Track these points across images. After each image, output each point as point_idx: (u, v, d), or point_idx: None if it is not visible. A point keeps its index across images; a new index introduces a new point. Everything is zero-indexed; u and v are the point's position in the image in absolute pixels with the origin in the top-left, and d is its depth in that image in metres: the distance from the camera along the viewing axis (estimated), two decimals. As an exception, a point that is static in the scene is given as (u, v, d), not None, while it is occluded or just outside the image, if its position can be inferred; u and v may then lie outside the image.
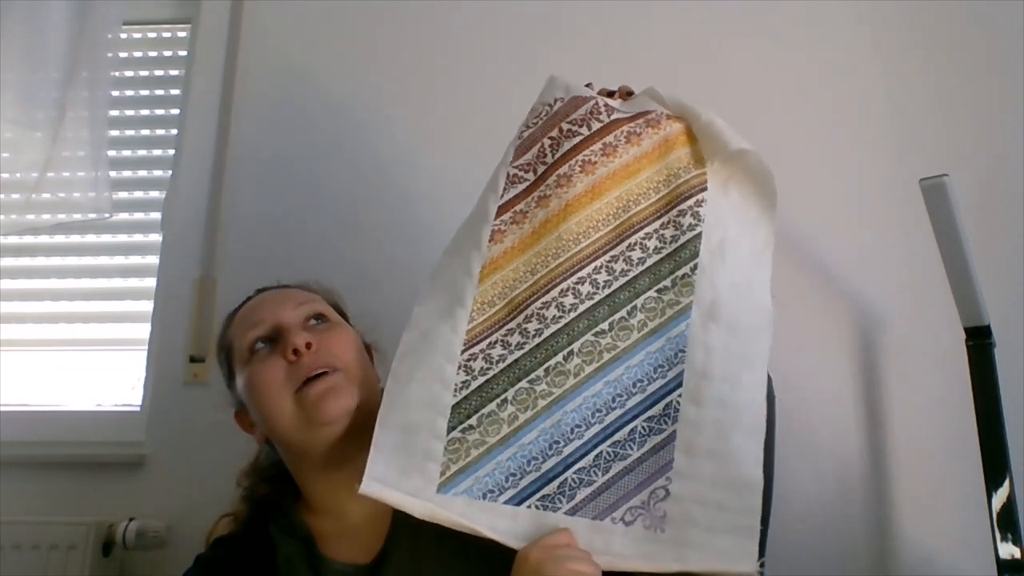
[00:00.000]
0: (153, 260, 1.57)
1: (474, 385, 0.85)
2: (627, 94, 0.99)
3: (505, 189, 0.92)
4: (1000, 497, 1.03)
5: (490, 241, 0.90)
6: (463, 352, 0.86)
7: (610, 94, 0.99)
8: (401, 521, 0.86)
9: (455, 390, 0.85)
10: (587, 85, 0.97)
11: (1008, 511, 1.03)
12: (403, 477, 0.82)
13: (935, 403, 1.31)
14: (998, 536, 1.02)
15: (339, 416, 0.88)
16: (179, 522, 1.36)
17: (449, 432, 0.84)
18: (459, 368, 0.86)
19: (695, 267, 0.86)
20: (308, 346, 0.89)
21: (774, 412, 1.04)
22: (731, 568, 0.74)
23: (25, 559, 1.28)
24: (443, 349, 0.86)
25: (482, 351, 0.87)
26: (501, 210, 0.92)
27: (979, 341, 1.10)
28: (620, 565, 0.77)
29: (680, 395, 0.82)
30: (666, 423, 0.81)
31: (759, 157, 0.90)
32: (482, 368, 0.86)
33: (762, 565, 0.74)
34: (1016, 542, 1.02)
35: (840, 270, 1.39)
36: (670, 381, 0.83)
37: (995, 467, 1.04)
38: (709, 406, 0.81)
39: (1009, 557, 1.01)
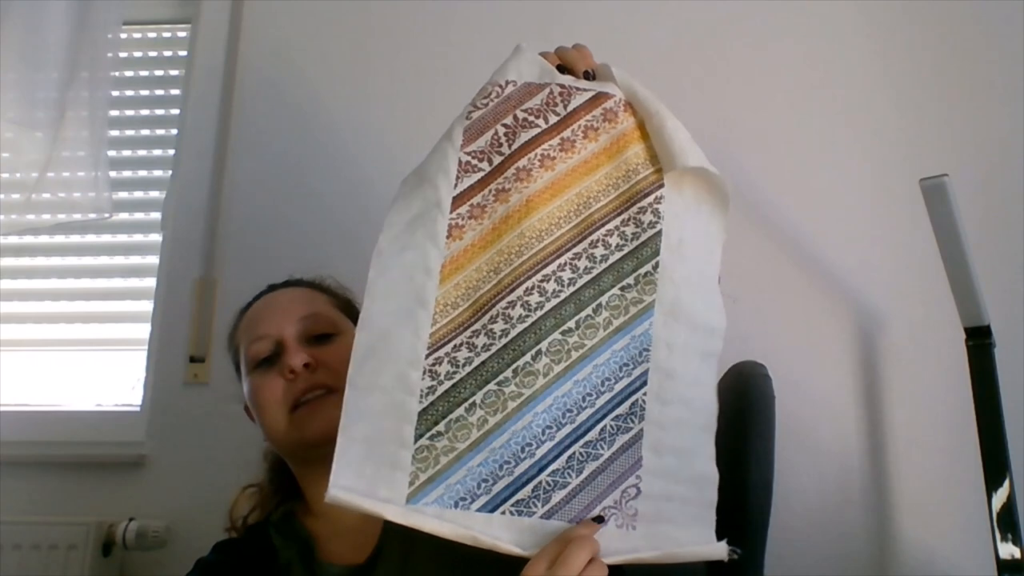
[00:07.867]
0: (153, 260, 1.57)
1: (440, 390, 0.81)
2: (584, 73, 0.94)
3: (459, 178, 0.89)
4: (1000, 497, 1.03)
5: (448, 237, 0.86)
6: (427, 356, 0.82)
7: (561, 69, 0.94)
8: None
9: (421, 396, 0.81)
10: (541, 54, 0.94)
11: (1008, 511, 1.03)
12: (371, 488, 0.78)
13: (935, 403, 1.31)
14: (998, 536, 1.02)
15: (325, 432, 0.83)
16: (179, 522, 1.36)
17: (417, 440, 0.80)
18: (424, 373, 0.81)
19: (656, 265, 0.86)
20: (306, 366, 0.91)
21: (774, 412, 1.05)
22: (706, 555, 0.77)
23: (25, 559, 1.28)
24: (406, 354, 0.82)
25: (447, 354, 0.83)
26: (456, 202, 0.88)
27: (979, 341, 1.10)
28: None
29: (645, 393, 0.82)
30: (633, 421, 0.81)
31: (708, 172, 0.89)
32: (448, 372, 0.82)
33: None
34: (1016, 542, 1.02)
35: (840, 270, 1.39)
36: (635, 379, 0.83)
37: (995, 467, 1.04)
38: (673, 404, 0.82)
39: (1009, 557, 1.01)
